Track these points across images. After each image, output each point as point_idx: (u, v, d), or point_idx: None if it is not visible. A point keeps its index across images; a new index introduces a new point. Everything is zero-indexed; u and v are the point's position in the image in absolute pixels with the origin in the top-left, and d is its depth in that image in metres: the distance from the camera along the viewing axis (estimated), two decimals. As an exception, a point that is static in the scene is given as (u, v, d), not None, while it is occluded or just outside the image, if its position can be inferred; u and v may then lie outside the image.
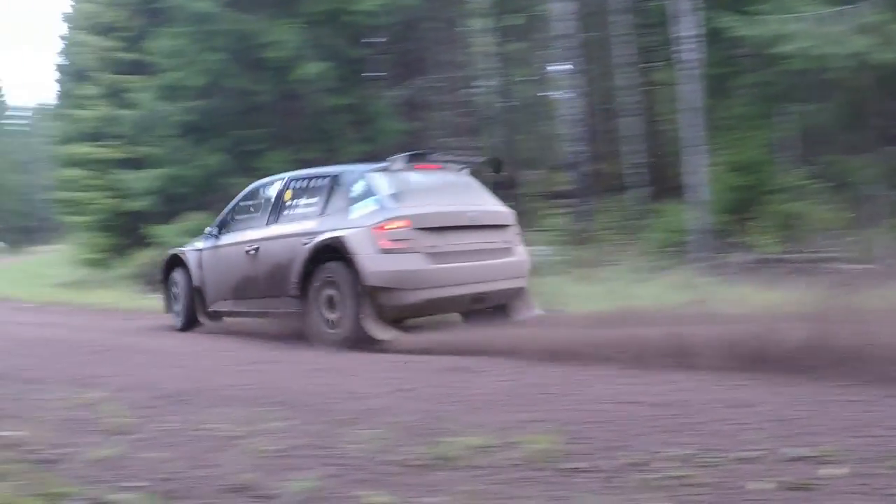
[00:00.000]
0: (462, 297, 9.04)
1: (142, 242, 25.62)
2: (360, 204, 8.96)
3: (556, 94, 30.14)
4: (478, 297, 9.25)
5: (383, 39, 25.02)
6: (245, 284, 10.31)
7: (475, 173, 10.50)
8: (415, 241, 8.61)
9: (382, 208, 8.79)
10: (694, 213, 16.89)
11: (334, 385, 7.30)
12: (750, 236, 16.24)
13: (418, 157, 9.61)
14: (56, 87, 44.17)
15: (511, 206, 10.32)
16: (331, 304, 8.91)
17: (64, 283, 25.78)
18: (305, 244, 9.13)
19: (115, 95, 27.40)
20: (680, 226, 17.43)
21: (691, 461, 4.36)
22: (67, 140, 32.02)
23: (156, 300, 15.96)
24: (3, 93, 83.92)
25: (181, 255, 11.67)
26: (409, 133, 22.66)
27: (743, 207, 16.77)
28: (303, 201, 9.79)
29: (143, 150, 24.67)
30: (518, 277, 9.79)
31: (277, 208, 10.17)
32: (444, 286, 8.77)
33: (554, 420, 5.45)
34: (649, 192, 21.56)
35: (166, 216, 23.66)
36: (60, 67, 40.74)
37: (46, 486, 4.78)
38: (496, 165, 11.17)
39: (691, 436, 4.89)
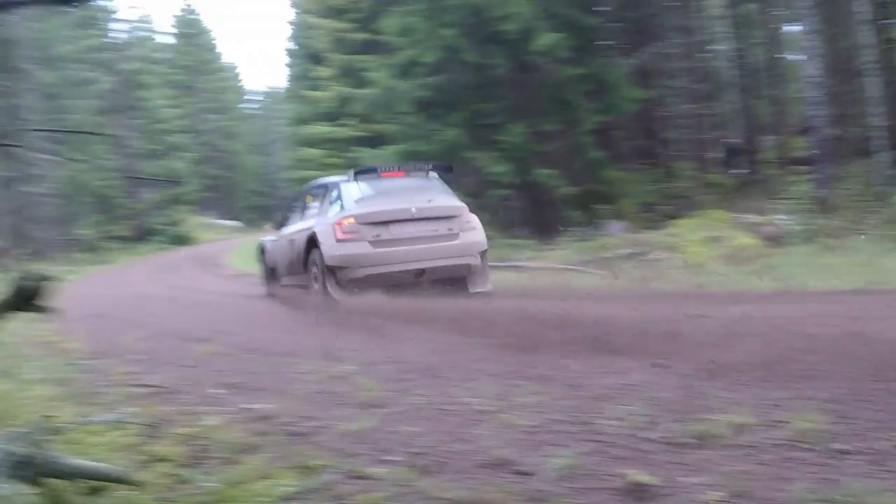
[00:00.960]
0: (403, 272, 11.71)
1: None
2: (334, 206, 12.21)
3: (791, 56, 28.73)
4: (419, 272, 11.85)
5: (613, 7, 24.52)
6: (290, 265, 13.40)
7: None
8: (360, 233, 11.54)
9: (342, 209, 11.94)
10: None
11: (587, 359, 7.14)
12: None
13: (370, 171, 12.71)
14: (287, 71, 45.87)
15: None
16: (315, 277, 12.04)
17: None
18: (305, 236, 12.42)
19: (348, 75, 28.17)
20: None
21: None
22: (302, 121, 33.23)
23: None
24: (240, 79, 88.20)
25: (263, 244, 15.45)
26: (645, 101, 22.08)
27: None
28: (313, 204, 13.10)
29: (379, 128, 25.22)
30: (462, 256, 12.15)
31: (302, 209, 13.61)
32: (385, 264, 11.57)
33: (816, 399, 5.07)
34: (894, 157, 20.04)
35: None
36: (290, 52, 42.34)
37: (301, 459, 4.83)
38: (447, 168, 13.95)
39: None
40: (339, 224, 11.76)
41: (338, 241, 11.65)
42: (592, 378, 6.28)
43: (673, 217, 19.74)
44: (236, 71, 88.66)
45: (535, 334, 8.44)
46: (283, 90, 59.19)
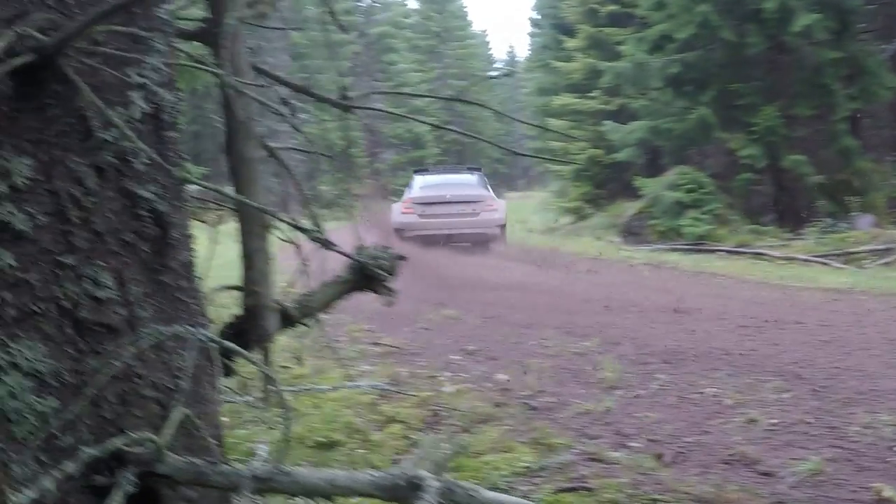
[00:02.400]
0: (438, 235, 17.76)
1: (620, 193, 25.97)
2: (407, 191, 20.07)
3: None
4: (448, 237, 18.04)
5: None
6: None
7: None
8: (413, 210, 18.34)
9: (408, 193, 19.26)
10: None
11: (836, 360, 6.73)
12: None
13: (425, 170, 21.80)
14: (530, 41, 45.93)
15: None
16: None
17: (543, 230, 26.88)
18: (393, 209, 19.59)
19: (597, 47, 27.84)
20: None
21: None
22: (547, 91, 33.17)
23: (636, 251, 16.04)
24: (489, 47, 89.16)
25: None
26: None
27: None
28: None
29: (624, 102, 24.85)
30: (479, 228, 18.37)
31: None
32: (426, 230, 17.78)
33: None
34: None
35: (647, 168, 23.74)
36: (534, 21, 42.30)
37: (539, 435, 4.80)
38: (478, 168, 22.37)
39: None
40: (403, 203, 19.39)
41: (401, 213, 18.96)
42: (842, 380, 5.96)
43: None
44: (486, 39, 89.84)
45: (782, 329, 8.11)
46: (526, 59, 59.32)
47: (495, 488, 4.00)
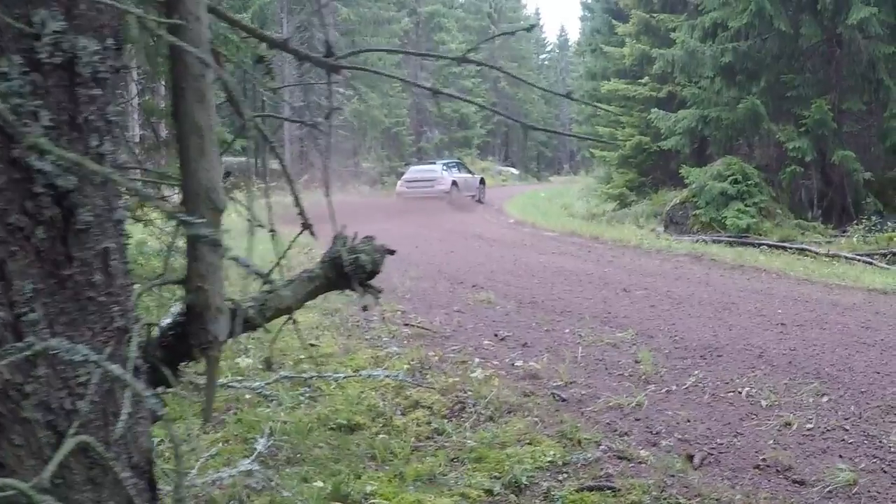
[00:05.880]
0: (416, 197, 31.10)
1: (664, 182, 25.71)
2: (404, 174, 36.67)
3: None
4: (421, 197, 30.84)
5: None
6: None
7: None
8: (404, 184, 33.64)
9: (403, 176, 35.39)
10: None
11: (876, 364, 6.55)
12: None
13: (418, 162, 42.68)
14: (581, 24, 45.68)
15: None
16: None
17: (583, 216, 26.70)
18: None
19: (648, 33, 27.50)
20: None
21: None
22: (596, 76, 32.89)
23: (678, 242, 15.87)
24: (542, 30, 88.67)
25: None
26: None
27: None
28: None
29: (673, 90, 24.55)
30: (436, 193, 31.32)
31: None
32: (410, 195, 31.76)
33: None
34: None
35: (694, 157, 23.44)
36: (586, 4, 42.00)
37: (567, 429, 4.71)
38: (459, 162, 38.34)
39: None
40: (399, 181, 34.47)
41: (399, 187, 33.65)
42: (882, 386, 5.80)
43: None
44: (540, 21, 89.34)
45: (822, 329, 7.94)
46: (576, 44, 58.93)
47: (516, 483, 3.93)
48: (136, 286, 1.92)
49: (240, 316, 2.13)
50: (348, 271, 2.32)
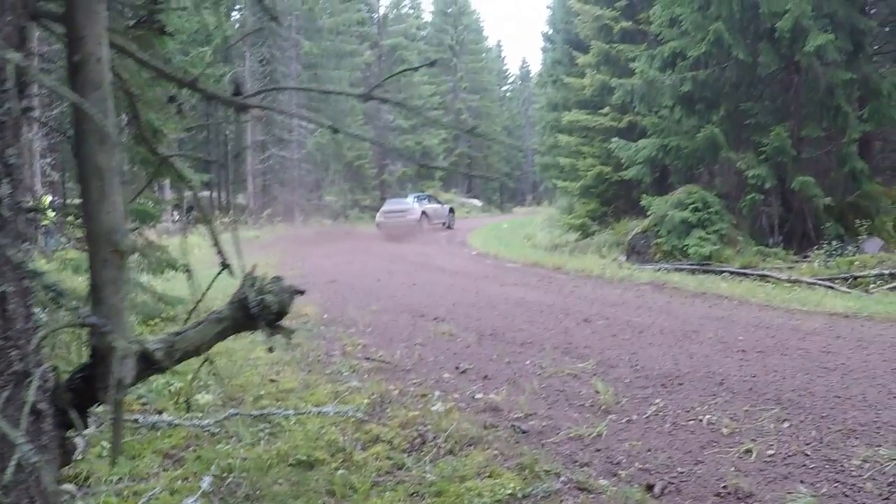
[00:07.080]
0: (391, 226, 34.71)
1: (625, 211, 25.85)
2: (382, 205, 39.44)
3: None
4: (395, 226, 34.59)
5: (887, 11, 22.74)
6: None
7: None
8: (383, 216, 35.94)
9: (381, 207, 38.25)
10: None
11: (837, 388, 6.54)
12: None
13: (393, 196, 44.45)
14: (542, 56, 46.05)
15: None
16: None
17: (546, 246, 26.74)
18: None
19: (608, 63, 27.75)
20: None
21: None
22: (557, 106, 33.08)
23: (640, 271, 15.89)
24: (504, 62, 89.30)
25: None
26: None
27: None
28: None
29: (634, 119, 24.74)
30: (407, 223, 34.99)
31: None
32: (386, 225, 35.12)
33: None
34: None
35: (655, 186, 23.60)
36: (547, 36, 42.34)
37: (527, 461, 4.68)
38: (430, 196, 41.90)
39: None
40: (378, 212, 37.03)
41: (378, 217, 36.14)
42: (843, 410, 5.79)
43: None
44: (501, 54, 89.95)
45: (783, 355, 7.95)
46: (537, 75, 59.34)
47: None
48: (39, 330, 1.80)
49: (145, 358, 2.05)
50: (254, 312, 2.25)
